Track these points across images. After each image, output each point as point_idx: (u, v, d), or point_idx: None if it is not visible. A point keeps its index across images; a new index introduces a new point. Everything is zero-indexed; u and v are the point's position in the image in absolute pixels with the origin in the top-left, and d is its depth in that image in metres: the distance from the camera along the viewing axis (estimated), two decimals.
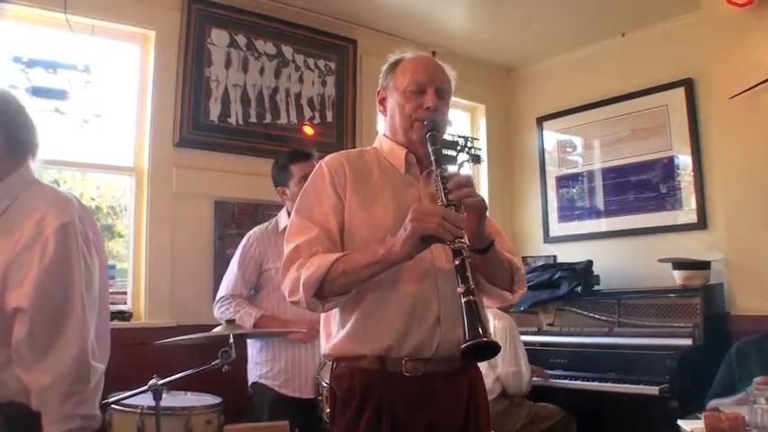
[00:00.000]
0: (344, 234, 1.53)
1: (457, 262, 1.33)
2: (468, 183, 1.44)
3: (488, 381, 3.02)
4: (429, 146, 1.53)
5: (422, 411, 1.48)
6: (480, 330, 1.27)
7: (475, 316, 1.28)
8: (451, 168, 4.96)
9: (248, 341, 2.68)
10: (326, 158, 1.63)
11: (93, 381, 1.42)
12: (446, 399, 1.52)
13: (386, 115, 1.69)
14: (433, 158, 1.51)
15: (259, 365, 2.66)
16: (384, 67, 1.70)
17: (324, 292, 1.43)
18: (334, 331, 1.56)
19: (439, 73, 1.64)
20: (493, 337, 1.32)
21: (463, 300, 1.30)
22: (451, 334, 1.47)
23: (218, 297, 2.72)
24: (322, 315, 1.61)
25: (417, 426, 1.48)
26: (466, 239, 1.36)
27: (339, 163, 1.59)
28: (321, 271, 1.41)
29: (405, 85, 1.60)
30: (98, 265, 1.53)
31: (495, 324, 3.14)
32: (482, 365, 2.86)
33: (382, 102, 1.70)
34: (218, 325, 2.38)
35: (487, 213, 1.51)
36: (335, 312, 1.56)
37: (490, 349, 1.30)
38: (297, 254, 1.49)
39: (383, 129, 1.71)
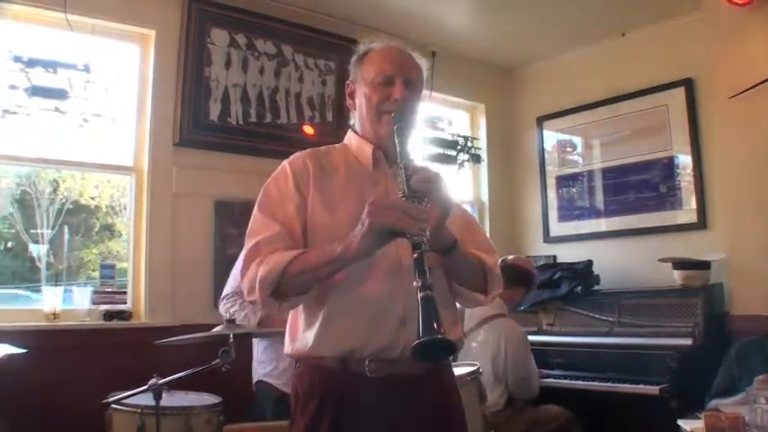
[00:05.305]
0: (308, 234, 1.46)
1: (415, 255, 1.25)
2: (434, 178, 1.37)
3: (495, 394, 2.97)
4: (396, 139, 1.45)
5: (386, 415, 1.39)
6: (435, 327, 1.18)
7: (431, 312, 1.19)
8: (452, 168, 4.93)
9: (254, 339, 2.68)
10: (291, 158, 1.57)
11: None
12: (413, 403, 1.42)
13: (355, 109, 1.61)
14: (398, 150, 1.44)
15: (264, 364, 2.65)
16: (353, 59, 1.62)
17: (281, 291, 1.37)
18: (299, 332, 1.49)
19: (408, 63, 1.56)
20: (447, 336, 1.21)
21: (419, 295, 1.21)
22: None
23: (224, 293, 2.71)
24: (290, 315, 1.53)
25: (381, 431, 1.39)
26: (427, 233, 1.27)
27: (303, 162, 1.54)
28: (278, 269, 1.35)
29: (372, 77, 1.53)
30: None
31: (507, 339, 3.07)
32: (488, 379, 2.86)
33: (351, 95, 1.62)
34: (219, 325, 2.38)
35: (478, 217, 1.46)
36: (300, 314, 1.48)
37: (445, 348, 1.22)
38: (257, 251, 1.42)
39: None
